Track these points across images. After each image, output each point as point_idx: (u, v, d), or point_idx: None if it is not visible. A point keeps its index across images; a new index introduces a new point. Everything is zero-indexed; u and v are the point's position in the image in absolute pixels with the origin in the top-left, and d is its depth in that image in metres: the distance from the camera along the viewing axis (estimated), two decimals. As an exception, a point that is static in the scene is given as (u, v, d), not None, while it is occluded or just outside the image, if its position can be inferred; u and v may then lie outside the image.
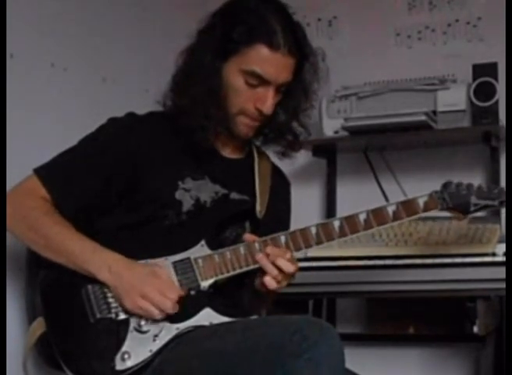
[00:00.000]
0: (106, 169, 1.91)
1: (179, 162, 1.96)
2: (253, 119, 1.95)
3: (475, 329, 2.32)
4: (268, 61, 1.89)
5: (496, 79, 2.71)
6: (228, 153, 2.04)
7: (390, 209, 1.94)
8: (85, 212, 1.91)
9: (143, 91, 2.58)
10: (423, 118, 2.72)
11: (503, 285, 1.93)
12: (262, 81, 1.91)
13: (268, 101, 1.91)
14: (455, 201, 1.97)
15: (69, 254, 1.83)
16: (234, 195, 1.99)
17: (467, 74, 2.77)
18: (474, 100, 2.73)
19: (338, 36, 3.15)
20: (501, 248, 2.21)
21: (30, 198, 1.88)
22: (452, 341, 2.92)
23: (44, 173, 1.91)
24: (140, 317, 1.80)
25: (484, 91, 2.72)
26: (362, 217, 1.92)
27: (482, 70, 2.74)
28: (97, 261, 1.81)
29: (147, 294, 1.78)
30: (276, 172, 2.15)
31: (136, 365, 1.78)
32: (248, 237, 1.90)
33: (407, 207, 1.94)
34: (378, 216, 1.93)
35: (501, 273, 1.99)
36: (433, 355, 2.95)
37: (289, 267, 1.84)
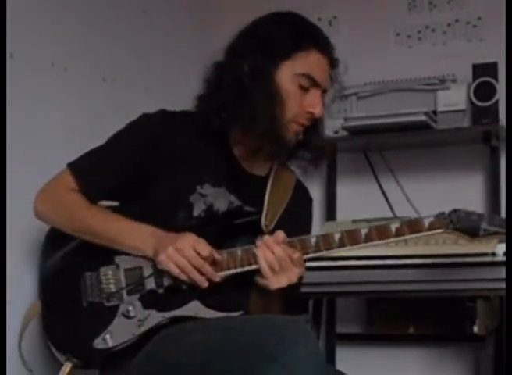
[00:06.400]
0: (132, 162, 1.96)
1: (201, 166, 1.98)
2: (301, 125, 1.98)
3: (475, 329, 2.33)
4: (319, 65, 1.97)
5: (496, 79, 2.71)
6: (249, 167, 2.04)
7: (393, 227, 1.91)
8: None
9: (143, 91, 2.58)
10: (423, 118, 2.73)
11: (503, 285, 1.93)
12: (313, 84, 1.95)
13: (319, 104, 1.96)
14: (464, 225, 1.92)
15: (115, 238, 1.90)
16: (247, 208, 2.00)
17: (467, 74, 2.77)
18: (474, 100, 2.73)
19: (338, 36, 3.14)
20: (501, 248, 2.21)
21: (64, 191, 1.96)
22: (452, 341, 2.92)
23: (75, 166, 1.98)
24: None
25: (484, 90, 2.72)
26: (364, 232, 1.91)
27: (482, 70, 2.74)
28: (141, 236, 1.88)
29: (181, 248, 1.82)
30: (299, 187, 2.14)
31: (117, 345, 1.84)
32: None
33: (412, 226, 1.91)
34: (380, 232, 1.91)
35: (501, 273, 2.00)
36: (433, 355, 2.95)
37: (280, 252, 1.84)
